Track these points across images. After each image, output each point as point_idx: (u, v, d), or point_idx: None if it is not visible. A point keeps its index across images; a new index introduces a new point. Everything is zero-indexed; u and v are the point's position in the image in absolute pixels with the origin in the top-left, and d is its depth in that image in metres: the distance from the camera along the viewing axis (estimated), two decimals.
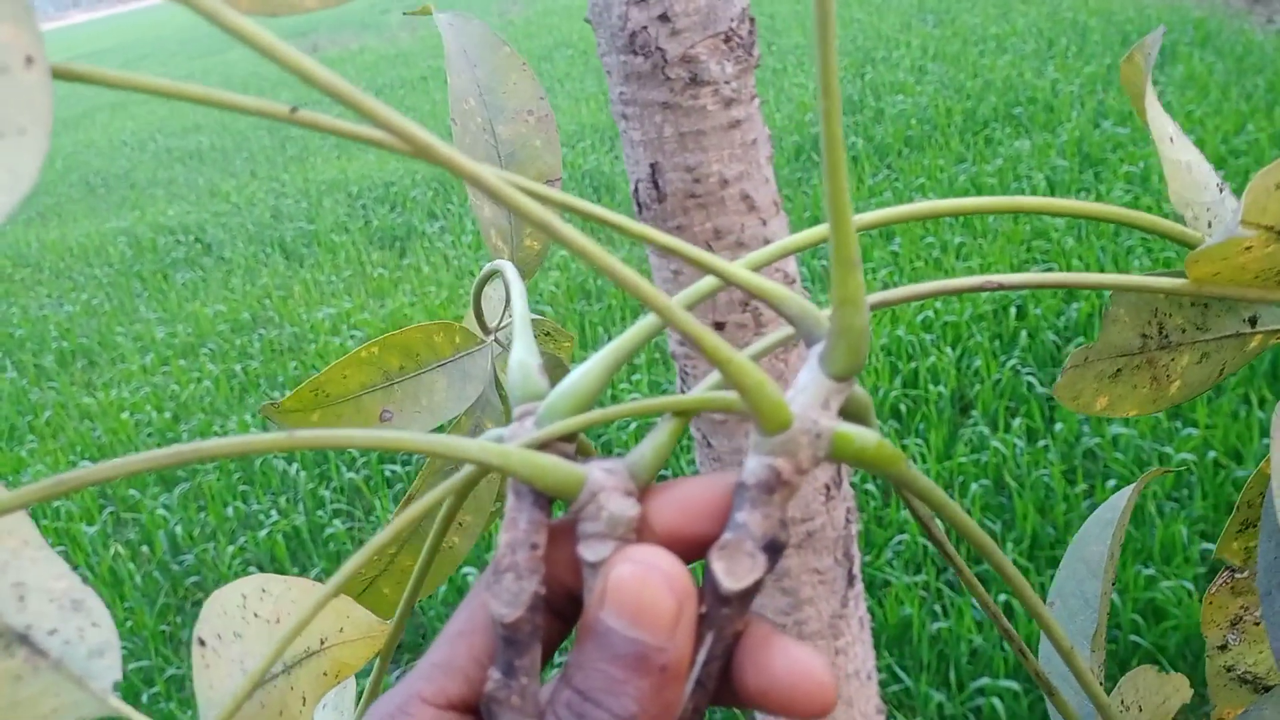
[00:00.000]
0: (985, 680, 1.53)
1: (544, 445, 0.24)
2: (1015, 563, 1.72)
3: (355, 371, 0.48)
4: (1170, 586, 1.63)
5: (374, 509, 2.32)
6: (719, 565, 0.22)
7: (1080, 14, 5.31)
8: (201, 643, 0.29)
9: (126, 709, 0.26)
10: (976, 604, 1.66)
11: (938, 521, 0.30)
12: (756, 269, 0.29)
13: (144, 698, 1.92)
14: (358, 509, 2.36)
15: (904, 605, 1.69)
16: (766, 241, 0.53)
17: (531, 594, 0.22)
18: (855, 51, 5.50)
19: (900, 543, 1.84)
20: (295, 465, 2.49)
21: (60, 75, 0.20)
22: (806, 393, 0.23)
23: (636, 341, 0.25)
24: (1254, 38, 4.35)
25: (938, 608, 1.70)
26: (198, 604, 2.18)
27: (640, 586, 0.21)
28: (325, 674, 0.33)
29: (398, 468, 2.41)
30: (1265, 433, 1.91)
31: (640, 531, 0.23)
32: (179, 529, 2.37)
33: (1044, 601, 0.40)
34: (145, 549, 2.36)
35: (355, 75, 8.61)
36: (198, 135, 7.55)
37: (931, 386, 2.23)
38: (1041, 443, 2.01)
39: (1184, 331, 0.37)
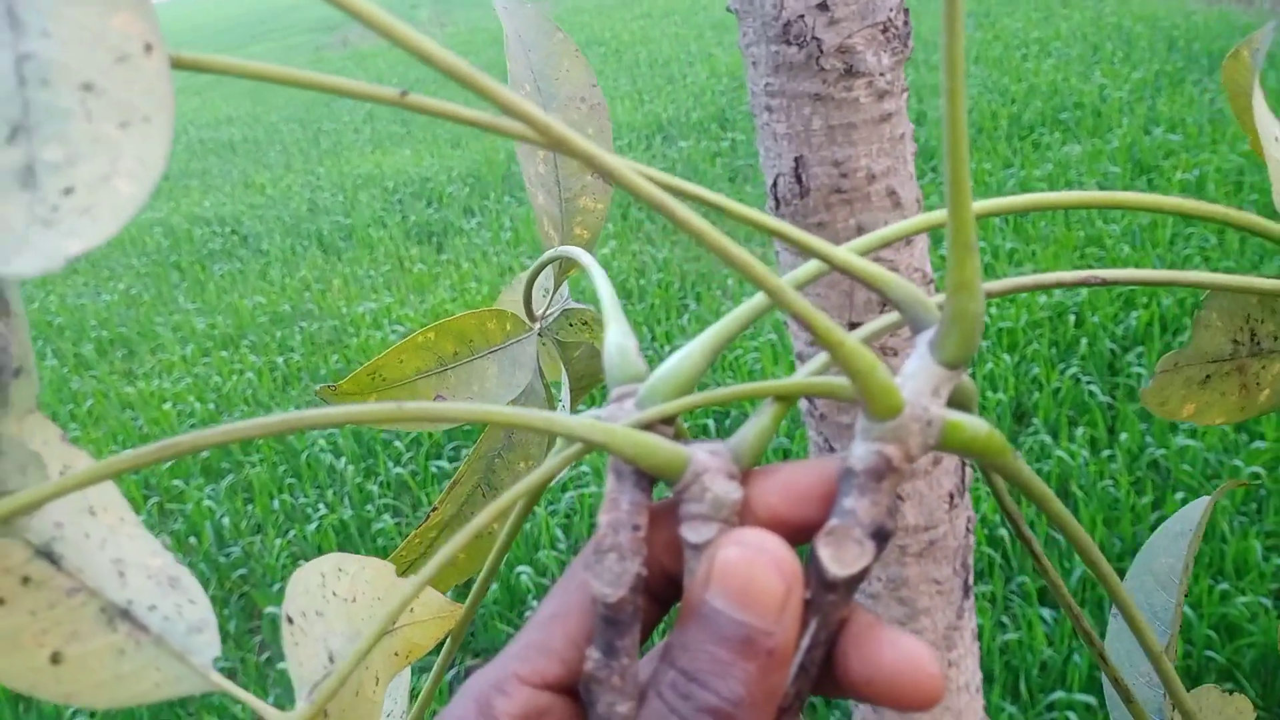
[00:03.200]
0: (1059, 694, 1.50)
1: (645, 427, 0.24)
2: (1081, 576, 1.69)
3: (411, 356, 0.49)
4: (1245, 602, 1.59)
5: (421, 504, 2.31)
6: (825, 551, 0.22)
7: (1125, 20, 5.26)
8: (290, 620, 0.29)
9: (228, 684, 0.27)
10: (1045, 617, 1.63)
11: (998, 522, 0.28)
12: (866, 253, 0.28)
13: None
14: (405, 504, 2.35)
15: None
16: (910, 241, 0.51)
17: (634, 575, 0.22)
18: None
19: None
20: (343, 459, 2.48)
21: (177, 64, 0.20)
22: (916, 379, 0.23)
23: (737, 326, 0.25)
24: None
25: (1005, 618, 1.68)
26: (245, 596, 2.18)
27: (748, 569, 0.21)
28: (397, 654, 0.34)
29: (445, 464, 2.40)
30: None
31: (742, 515, 0.23)
32: (225, 521, 2.37)
33: (1109, 614, 0.41)
34: (192, 540, 2.35)
35: (387, 70, 8.63)
36: (230, 127, 7.59)
37: (990, 394, 2.20)
38: (1106, 453, 1.98)
39: (1275, 339, 0.37)
